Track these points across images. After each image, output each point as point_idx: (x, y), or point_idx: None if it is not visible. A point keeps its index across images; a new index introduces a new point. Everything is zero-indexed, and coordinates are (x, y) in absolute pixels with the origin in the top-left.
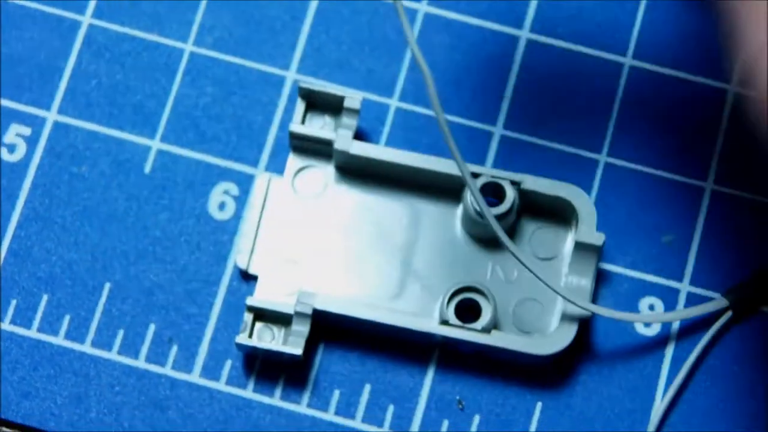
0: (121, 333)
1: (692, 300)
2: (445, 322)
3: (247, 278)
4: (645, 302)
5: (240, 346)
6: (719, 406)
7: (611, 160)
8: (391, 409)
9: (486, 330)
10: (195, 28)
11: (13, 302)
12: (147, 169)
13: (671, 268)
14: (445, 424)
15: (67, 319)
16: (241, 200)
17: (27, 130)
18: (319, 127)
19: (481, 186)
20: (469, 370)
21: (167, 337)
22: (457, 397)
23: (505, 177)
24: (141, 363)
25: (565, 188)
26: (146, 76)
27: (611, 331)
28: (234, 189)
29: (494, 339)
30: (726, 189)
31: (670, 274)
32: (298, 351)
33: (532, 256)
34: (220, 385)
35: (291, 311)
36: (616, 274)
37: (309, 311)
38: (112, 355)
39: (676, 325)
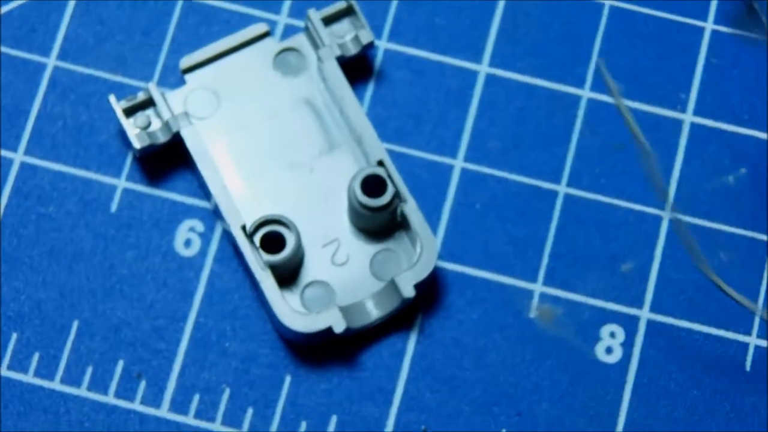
0: (90, 369)
1: (652, 327)
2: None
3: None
4: (606, 329)
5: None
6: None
7: (570, 190)
8: None
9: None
10: (159, 68)
11: None
12: (113, 208)
13: (631, 295)
14: None
15: (36, 356)
16: (206, 237)
17: None
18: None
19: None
20: (435, 400)
21: (135, 373)
22: (423, 427)
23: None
24: (110, 399)
25: (424, 229)
26: (111, 117)
27: (572, 359)
28: (199, 226)
29: (261, 276)
30: (685, 216)
31: (630, 301)
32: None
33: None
34: (189, 419)
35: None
36: (577, 302)
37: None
38: (82, 392)
39: (636, 352)
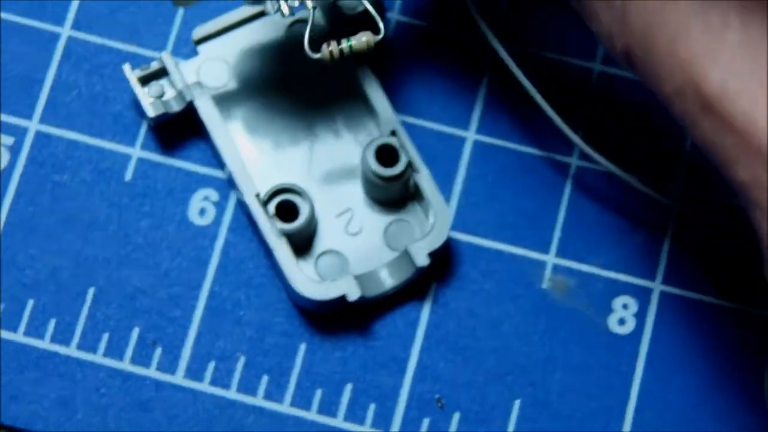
0: (105, 336)
1: (665, 299)
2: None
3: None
4: (619, 301)
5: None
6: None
7: (583, 162)
8: (372, 407)
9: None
10: (172, 39)
11: (0, 308)
12: (128, 176)
13: (644, 267)
14: (426, 422)
15: (52, 323)
16: (221, 206)
17: (10, 140)
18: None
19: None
20: (449, 369)
21: (151, 340)
22: (437, 396)
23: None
24: (126, 365)
25: (437, 198)
26: (125, 87)
27: (585, 330)
28: (214, 195)
29: (275, 243)
30: (694, 192)
31: (643, 273)
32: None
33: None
34: (204, 386)
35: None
36: (590, 274)
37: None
38: (98, 358)
39: (649, 324)
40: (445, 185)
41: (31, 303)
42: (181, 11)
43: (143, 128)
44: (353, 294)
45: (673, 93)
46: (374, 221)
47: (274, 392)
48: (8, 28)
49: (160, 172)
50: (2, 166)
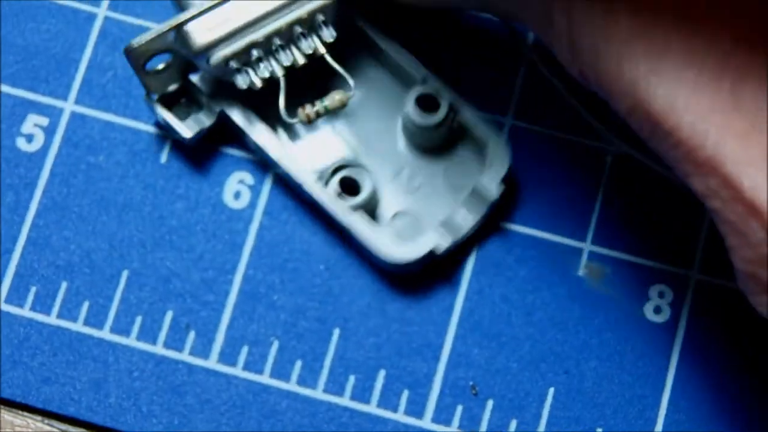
0: (139, 319)
1: (702, 288)
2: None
3: None
4: (654, 289)
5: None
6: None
7: (618, 150)
8: (405, 394)
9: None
10: None
11: (33, 289)
12: (163, 159)
13: (681, 255)
14: (459, 409)
15: (86, 305)
16: (256, 189)
17: (45, 121)
18: None
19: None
20: (483, 356)
21: (184, 324)
22: (471, 383)
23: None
24: (159, 349)
25: (487, 131)
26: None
27: (621, 318)
28: (249, 178)
29: (350, 220)
30: None
31: (680, 261)
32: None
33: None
34: (237, 371)
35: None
36: (626, 262)
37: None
38: (131, 341)
39: (685, 312)
40: None
41: (64, 285)
42: None
43: None
44: (442, 245)
45: (627, 112)
46: (431, 171)
47: (308, 377)
48: (44, 7)
49: (196, 155)
50: (37, 147)
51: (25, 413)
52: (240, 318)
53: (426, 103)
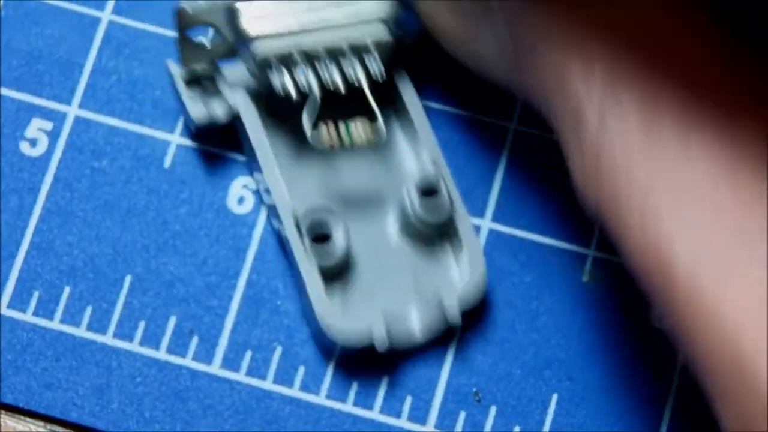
0: (142, 324)
1: None
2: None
3: None
4: None
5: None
6: None
7: None
8: (408, 400)
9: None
10: None
11: (36, 294)
12: (167, 163)
13: None
14: (462, 415)
15: (89, 310)
16: (260, 195)
17: (48, 125)
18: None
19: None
20: (486, 362)
21: (188, 329)
22: (474, 389)
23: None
24: (162, 354)
25: (471, 240)
26: (165, 72)
27: (626, 324)
28: (252, 183)
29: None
30: None
31: None
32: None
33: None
34: (240, 377)
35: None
36: None
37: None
38: (134, 347)
39: None
40: (485, 176)
41: (67, 290)
42: None
43: None
44: (384, 344)
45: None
46: (406, 256)
47: (311, 383)
48: (48, 11)
49: (200, 160)
50: (41, 151)
51: (28, 419)
52: (243, 323)
53: (428, 189)
